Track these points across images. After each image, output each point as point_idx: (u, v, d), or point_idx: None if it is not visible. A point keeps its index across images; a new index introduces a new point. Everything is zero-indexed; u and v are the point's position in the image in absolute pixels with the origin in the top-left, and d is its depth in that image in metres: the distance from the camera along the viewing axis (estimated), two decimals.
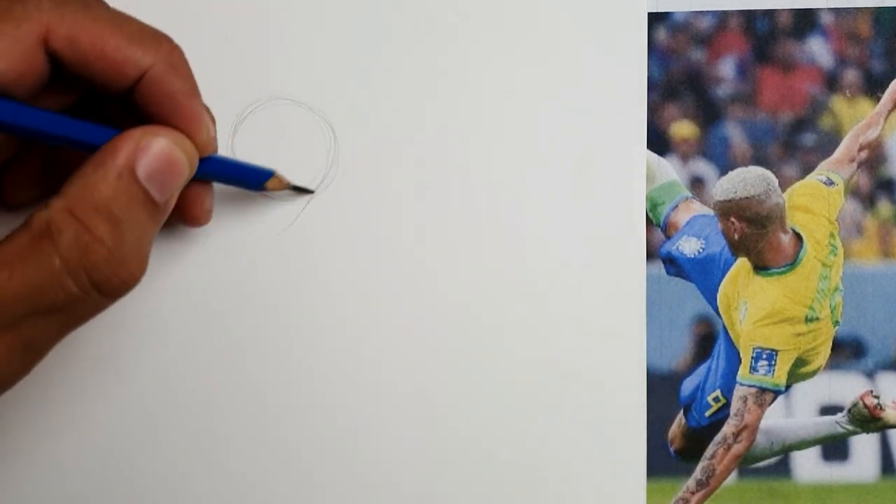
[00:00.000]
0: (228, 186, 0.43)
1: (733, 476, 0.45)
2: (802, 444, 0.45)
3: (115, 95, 0.38)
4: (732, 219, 0.45)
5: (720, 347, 0.45)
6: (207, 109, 0.40)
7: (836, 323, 0.45)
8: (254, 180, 0.43)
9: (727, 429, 0.45)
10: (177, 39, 0.45)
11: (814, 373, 0.45)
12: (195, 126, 0.38)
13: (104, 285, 0.36)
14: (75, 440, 0.44)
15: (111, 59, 0.37)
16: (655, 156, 0.46)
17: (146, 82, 0.38)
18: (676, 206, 0.46)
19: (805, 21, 0.46)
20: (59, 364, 0.44)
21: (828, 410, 0.45)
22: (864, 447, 0.45)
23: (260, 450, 0.45)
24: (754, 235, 0.45)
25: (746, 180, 0.45)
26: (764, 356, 0.45)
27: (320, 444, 0.45)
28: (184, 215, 0.42)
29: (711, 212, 0.46)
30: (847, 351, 0.45)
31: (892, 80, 0.46)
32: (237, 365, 0.45)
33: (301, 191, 0.44)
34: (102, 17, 0.37)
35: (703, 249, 0.46)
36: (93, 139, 0.37)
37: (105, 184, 0.36)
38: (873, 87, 0.46)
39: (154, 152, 0.37)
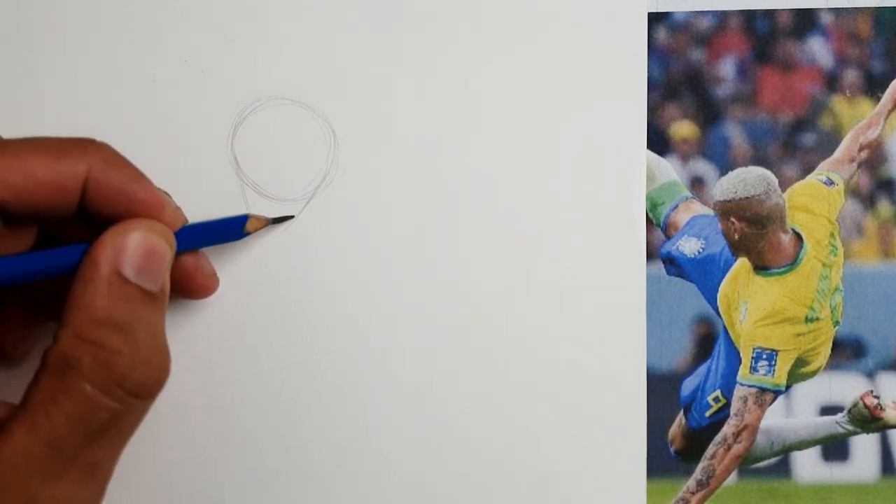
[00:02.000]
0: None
1: (733, 476, 0.45)
2: (802, 445, 0.45)
3: (70, 219, 0.38)
4: (732, 219, 0.45)
5: (720, 347, 0.45)
6: (159, 190, 0.40)
7: (837, 323, 0.45)
8: (233, 230, 0.43)
9: (727, 429, 0.45)
10: (177, 39, 0.46)
11: (814, 373, 0.45)
12: (156, 207, 0.39)
13: (139, 390, 0.36)
14: None
15: (48, 182, 0.37)
16: (655, 156, 0.46)
17: (91, 188, 0.38)
18: (676, 206, 0.46)
19: (805, 21, 0.46)
20: None
21: (828, 410, 0.45)
22: (864, 447, 0.45)
23: (260, 449, 0.45)
24: (754, 235, 0.45)
25: (746, 180, 0.45)
26: (764, 356, 0.45)
27: (320, 444, 0.44)
28: (189, 290, 0.42)
29: (711, 212, 0.46)
30: (847, 351, 0.45)
31: (892, 80, 0.46)
32: (237, 365, 0.45)
33: (282, 220, 0.45)
34: (21, 147, 0.37)
35: (703, 249, 0.46)
36: (67, 260, 0.37)
37: (100, 297, 0.36)
38: (873, 87, 0.46)
39: (132, 247, 0.37)
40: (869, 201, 0.46)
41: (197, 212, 0.45)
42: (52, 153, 0.37)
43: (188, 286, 0.42)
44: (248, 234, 0.43)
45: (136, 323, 0.36)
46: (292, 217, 0.45)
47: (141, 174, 0.39)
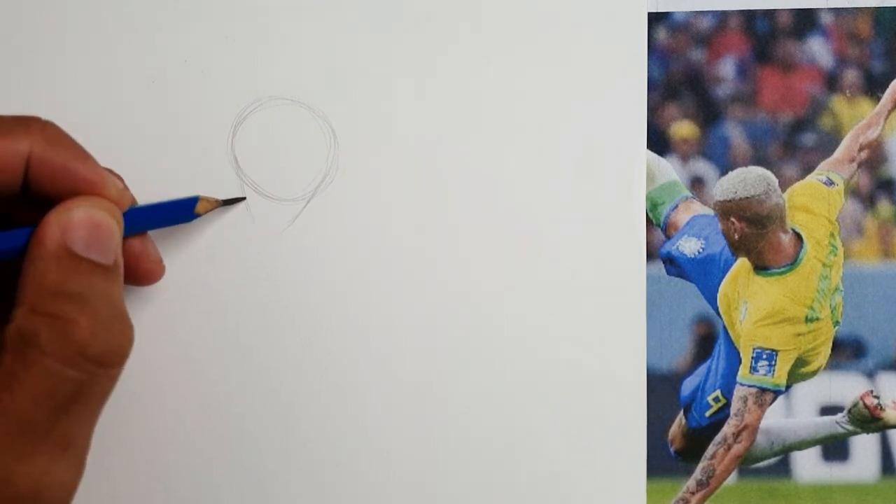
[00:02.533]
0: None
1: (733, 476, 0.45)
2: (802, 445, 0.45)
3: (13, 197, 0.38)
4: (732, 219, 0.45)
5: (720, 347, 0.45)
6: (106, 169, 0.40)
7: (837, 323, 0.45)
8: (183, 212, 0.43)
9: (727, 429, 0.45)
10: (177, 39, 0.46)
11: (814, 373, 0.45)
12: (100, 186, 0.38)
13: (102, 357, 0.36)
14: None
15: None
16: (655, 156, 0.46)
17: (34, 167, 0.37)
18: (676, 206, 0.46)
19: (805, 21, 0.46)
20: None
21: (828, 410, 0.45)
22: (865, 447, 0.45)
23: (259, 450, 0.45)
24: (754, 235, 0.45)
25: (746, 180, 0.45)
26: (764, 356, 0.45)
27: (320, 444, 0.44)
28: (134, 275, 0.42)
29: (711, 212, 0.46)
30: (847, 351, 0.45)
31: (892, 80, 0.46)
32: (237, 364, 0.45)
33: (234, 201, 0.44)
34: None
35: (703, 249, 0.46)
36: (13, 243, 0.37)
37: (50, 272, 0.36)
38: (873, 87, 0.46)
39: (77, 223, 0.36)
40: (869, 201, 0.46)
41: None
42: None
43: (134, 271, 0.41)
44: (198, 215, 0.43)
45: (91, 293, 0.36)
46: (243, 199, 0.45)
47: (86, 153, 0.39)
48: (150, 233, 0.42)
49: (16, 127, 0.37)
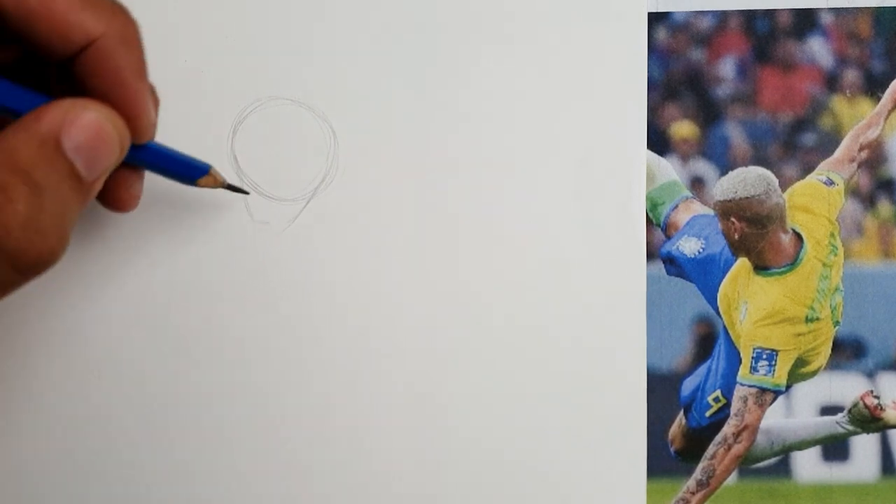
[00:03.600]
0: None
1: (733, 476, 0.45)
2: (803, 445, 0.45)
3: (57, 63, 0.36)
4: (732, 219, 0.45)
5: (720, 347, 0.45)
6: (154, 92, 0.38)
7: (837, 323, 0.45)
8: (187, 174, 0.41)
9: (727, 429, 0.45)
10: (177, 39, 0.45)
11: (814, 373, 0.45)
12: (136, 108, 0.36)
13: (18, 256, 0.33)
14: (75, 440, 0.44)
15: (57, 20, 0.34)
16: (655, 156, 0.46)
17: (92, 53, 0.35)
18: (676, 206, 0.46)
19: (805, 21, 0.46)
20: (58, 362, 0.44)
21: (828, 410, 0.45)
22: (865, 447, 0.45)
23: (261, 450, 0.45)
24: (754, 235, 0.45)
25: (746, 180, 0.45)
26: (764, 356, 0.45)
27: (321, 444, 0.44)
28: (108, 198, 0.39)
29: (711, 212, 0.46)
30: (847, 351, 0.45)
31: (892, 80, 0.46)
32: (237, 364, 0.45)
33: (237, 190, 0.43)
34: None
35: (704, 249, 0.46)
36: (19, 105, 0.35)
37: (26, 148, 0.33)
38: (873, 87, 0.46)
39: (82, 124, 0.34)
40: (869, 201, 0.46)
41: (197, 212, 0.45)
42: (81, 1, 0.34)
43: (111, 194, 0.39)
44: (198, 186, 0.41)
45: (50, 193, 0.33)
46: (247, 193, 0.44)
47: (143, 71, 0.36)
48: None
49: (101, 8, 0.35)
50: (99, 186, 0.35)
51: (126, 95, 0.36)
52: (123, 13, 0.36)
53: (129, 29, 0.36)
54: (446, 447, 0.44)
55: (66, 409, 0.45)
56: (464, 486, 0.44)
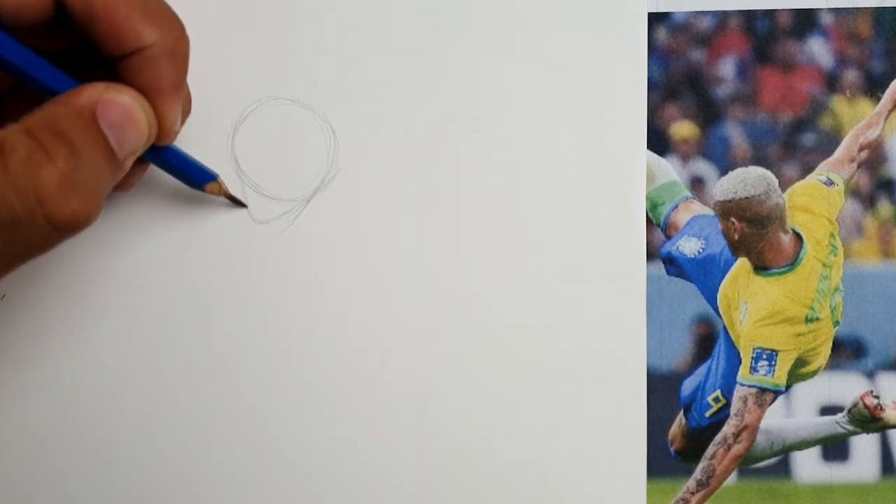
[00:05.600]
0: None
1: (733, 476, 0.45)
2: (802, 445, 0.45)
3: (106, 57, 0.38)
4: (732, 219, 0.45)
5: (720, 347, 0.45)
6: (188, 100, 0.40)
7: (837, 323, 0.45)
8: (196, 179, 0.43)
9: (727, 429, 0.45)
10: None
11: (814, 373, 0.45)
12: (164, 116, 0.38)
13: (54, 212, 0.34)
14: (73, 441, 0.44)
15: (117, 25, 0.36)
16: (655, 156, 0.46)
17: (139, 58, 0.37)
18: (676, 207, 0.46)
19: (805, 21, 0.46)
20: (57, 360, 0.44)
21: (828, 410, 0.45)
22: (864, 447, 0.45)
23: (260, 448, 0.45)
24: (754, 235, 0.45)
25: (746, 180, 0.45)
26: (764, 356, 0.45)
27: (321, 444, 0.45)
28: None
29: (711, 212, 0.46)
30: (847, 351, 0.45)
31: (892, 80, 0.46)
32: (237, 364, 0.45)
33: (237, 203, 0.45)
34: None
35: (703, 249, 0.46)
36: (60, 87, 0.37)
37: (66, 117, 0.35)
38: (873, 87, 0.46)
39: (117, 103, 0.36)
40: (869, 201, 0.46)
41: (197, 212, 0.45)
42: (141, 10, 0.37)
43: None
44: (203, 191, 0.43)
45: (87, 157, 0.35)
46: (245, 206, 0.45)
47: (181, 82, 0.39)
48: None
49: (159, 20, 0.37)
50: (127, 167, 0.37)
51: (159, 102, 0.38)
52: (178, 28, 0.38)
53: (179, 44, 0.38)
54: (446, 447, 0.44)
55: (65, 408, 0.45)
56: (464, 487, 0.44)
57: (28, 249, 0.35)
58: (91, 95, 0.36)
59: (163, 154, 0.41)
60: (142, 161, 0.41)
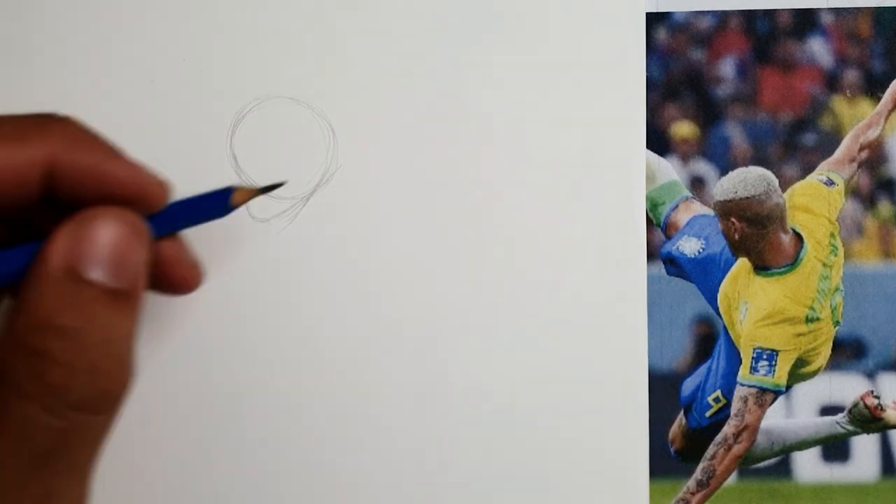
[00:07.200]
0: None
1: (734, 476, 0.45)
2: (803, 445, 0.45)
3: (39, 208, 0.33)
4: (733, 219, 0.45)
5: (720, 348, 0.45)
6: (138, 165, 0.34)
7: (837, 323, 0.45)
8: (217, 206, 0.37)
9: (727, 429, 0.45)
10: (177, 39, 0.45)
11: (814, 373, 0.45)
12: (137, 186, 0.33)
13: (85, 403, 0.30)
14: None
15: (2, 173, 0.32)
16: (655, 156, 0.46)
17: (58, 172, 0.32)
18: (676, 207, 0.46)
19: (805, 21, 0.46)
20: None
21: (828, 411, 0.45)
22: (865, 447, 0.45)
23: (260, 448, 0.44)
24: (754, 235, 0.45)
25: (746, 180, 0.45)
26: (764, 356, 0.45)
27: (320, 444, 0.44)
28: (170, 283, 0.36)
29: (711, 212, 0.46)
30: (847, 351, 0.45)
31: (892, 80, 0.46)
32: (236, 364, 0.45)
33: (272, 187, 0.39)
34: None
35: (704, 249, 0.46)
36: (16, 263, 0.32)
37: (46, 298, 0.30)
38: (874, 87, 0.46)
39: (92, 239, 0.31)
40: (869, 201, 0.46)
41: None
42: (6, 139, 0.31)
43: (168, 279, 0.36)
44: (233, 208, 0.38)
45: (88, 327, 0.30)
46: (283, 184, 0.39)
47: (115, 150, 0.33)
48: None
49: (30, 130, 0.32)
50: (142, 285, 0.32)
51: (117, 182, 0.33)
52: (53, 119, 0.33)
53: (70, 128, 0.33)
54: (447, 447, 0.44)
55: None
56: (466, 486, 0.44)
57: (92, 447, 0.32)
58: (58, 255, 0.31)
59: (168, 217, 0.35)
60: (170, 238, 0.36)
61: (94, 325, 0.31)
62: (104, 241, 0.31)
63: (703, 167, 0.46)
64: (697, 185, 0.46)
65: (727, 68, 0.46)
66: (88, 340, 0.30)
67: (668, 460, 0.45)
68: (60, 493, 0.31)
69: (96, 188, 0.32)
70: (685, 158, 0.46)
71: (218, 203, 0.37)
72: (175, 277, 0.36)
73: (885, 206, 0.46)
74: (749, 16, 0.46)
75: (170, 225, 0.35)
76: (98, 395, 0.31)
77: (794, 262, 0.45)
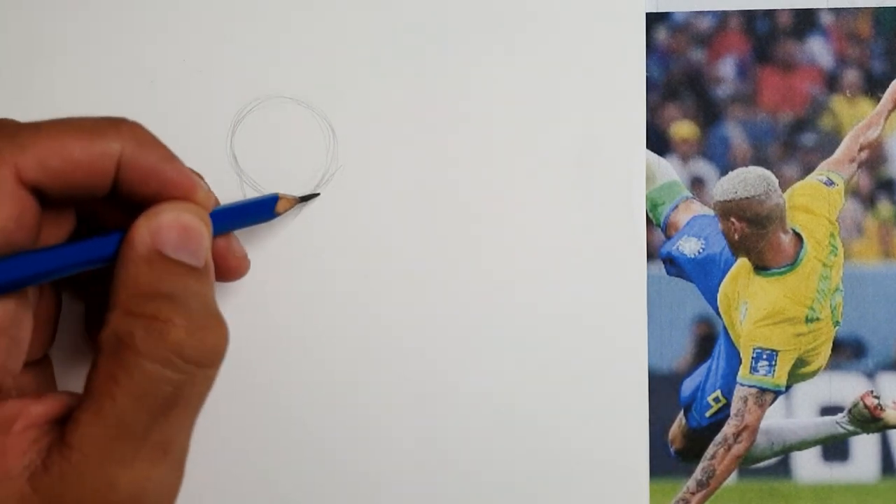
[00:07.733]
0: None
1: (734, 476, 0.45)
2: (803, 445, 0.45)
3: (101, 199, 0.38)
4: (732, 219, 0.45)
5: (720, 348, 0.45)
6: (191, 171, 0.40)
7: (837, 323, 0.45)
8: (264, 211, 0.43)
9: (727, 429, 0.45)
10: (176, 39, 0.46)
11: (814, 373, 0.45)
12: (188, 187, 0.38)
13: (199, 357, 0.35)
14: None
15: (83, 162, 0.36)
16: (655, 156, 0.46)
17: (124, 169, 0.37)
18: (676, 207, 0.46)
19: (805, 21, 0.46)
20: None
21: (828, 411, 0.45)
22: (865, 447, 0.45)
23: (260, 448, 0.44)
24: (754, 235, 0.45)
25: (746, 180, 0.45)
26: (764, 356, 0.45)
27: (319, 444, 0.44)
28: (222, 271, 0.41)
29: (711, 212, 0.46)
30: (847, 351, 0.45)
31: (892, 80, 0.46)
32: (236, 364, 0.44)
33: (308, 198, 0.45)
34: (55, 128, 0.36)
35: (704, 250, 0.46)
36: (103, 251, 0.37)
37: (143, 274, 0.35)
38: (873, 87, 0.46)
39: (167, 226, 0.36)
40: (869, 201, 0.46)
41: None
42: (87, 133, 0.36)
43: (220, 268, 0.41)
44: (278, 214, 0.43)
45: (185, 294, 0.36)
46: (317, 195, 0.45)
47: (173, 155, 0.38)
48: None
49: (107, 128, 0.37)
50: (212, 264, 0.37)
51: (173, 183, 0.38)
52: (124, 121, 0.37)
53: (137, 131, 0.37)
54: (447, 447, 0.44)
55: None
56: (465, 487, 0.44)
57: (200, 398, 0.36)
58: (145, 240, 0.36)
59: (218, 218, 0.40)
60: (224, 234, 0.41)
61: (188, 291, 0.36)
62: (175, 227, 0.36)
63: (703, 167, 0.46)
64: (697, 185, 0.46)
65: (727, 68, 0.46)
66: (190, 303, 0.36)
67: (668, 460, 0.45)
68: (175, 440, 0.36)
69: (156, 187, 0.37)
70: (685, 158, 0.46)
71: (266, 209, 0.43)
72: (226, 267, 0.42)
73: (884, 206, 0.46)
74: (749, 16, 0.46)
75: (225, 224, 0.41)
76: (209, 350, 0.36)
77: (793, 263, 0.45)
